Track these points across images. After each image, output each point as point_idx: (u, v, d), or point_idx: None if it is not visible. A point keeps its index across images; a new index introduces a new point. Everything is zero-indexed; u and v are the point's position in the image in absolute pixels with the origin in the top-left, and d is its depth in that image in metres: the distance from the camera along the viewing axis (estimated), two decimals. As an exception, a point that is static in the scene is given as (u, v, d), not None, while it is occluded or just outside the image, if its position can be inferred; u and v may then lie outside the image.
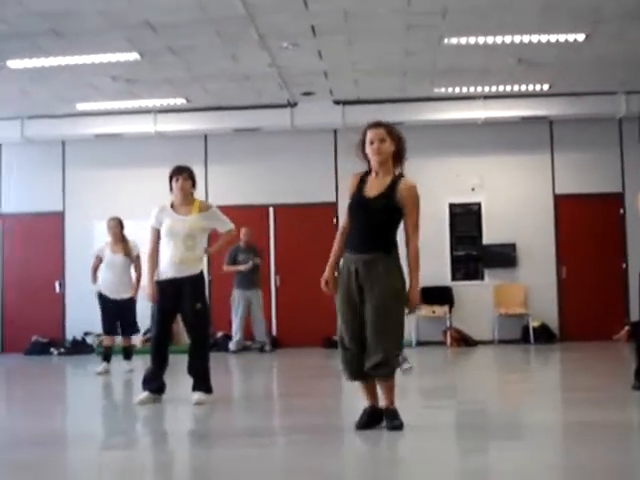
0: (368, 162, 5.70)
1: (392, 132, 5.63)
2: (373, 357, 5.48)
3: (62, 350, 13.85)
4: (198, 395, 7.24)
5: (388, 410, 5.65)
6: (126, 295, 10.58)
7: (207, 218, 7.42)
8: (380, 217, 5.56)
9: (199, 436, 6.18)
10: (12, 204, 14.93)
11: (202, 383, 7.31)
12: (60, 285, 14.55)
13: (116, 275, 10.59)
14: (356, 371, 5.62)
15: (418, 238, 5.62)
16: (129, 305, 10.63)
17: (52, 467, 4.86)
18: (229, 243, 8.09)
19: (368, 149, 5.61)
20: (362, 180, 5.71)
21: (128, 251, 10.61)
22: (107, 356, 10.63)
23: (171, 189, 7.43)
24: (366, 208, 5.59)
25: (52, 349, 14.05)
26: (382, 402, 5.69)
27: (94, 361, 10.31)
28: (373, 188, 5.63)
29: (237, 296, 13.43)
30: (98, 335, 14.24)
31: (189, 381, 7.36)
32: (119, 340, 10.91)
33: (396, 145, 5.63)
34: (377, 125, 5.65)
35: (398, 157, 5.68)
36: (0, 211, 15.02)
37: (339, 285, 5.65)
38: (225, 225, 7.62)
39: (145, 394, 7.32)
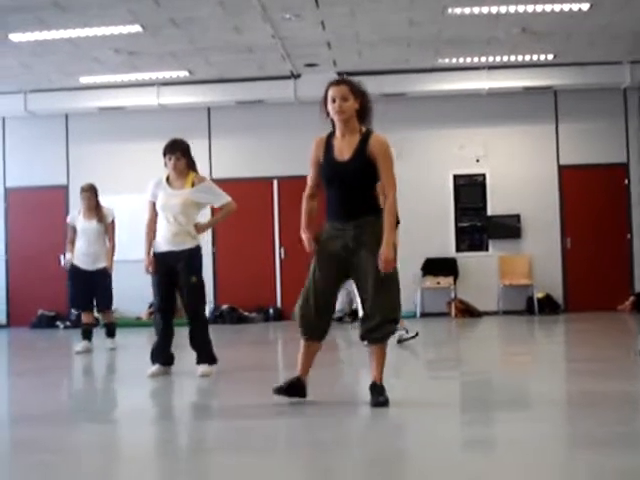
0: (332, 122, 5.53)
1: (355, 89, 5.48)
2: (370, 321, 5.40)
3: (68, 323, 13.91)
4: (202, 367, 7.26)
5: (376, 385, 5.48)
6: (100, 265, 9.86)
7: (200, 192, 7.34)
8: (359, 179, 5.41)
9: (204, 408, 6.21)
10: (16, 178, 14.94)
11: (205, 355, 7.33)
12: (64, 256, 14.57)
13: (90, 244, 9.84)
14: (313, 329, 5.51)
15: (394, 193, 5.43)
16: (104, 276, 9.90)
17: (60, 443, 4.89)
18: (224, 218, 7.86)
19: (330, 107, 5.44)
20: (328, 144, 5.52)
21: (102, 217, 9.88)
22: (87, 333, 9.91)
23: (165, 165, 7.40)
24: (342, 173, 5.41)
25: (58, 322, 14.12)
26: (371, 375, 5.52)
27: (100, 334, 10.28)
28: (343, 150, 5.46)
29: None
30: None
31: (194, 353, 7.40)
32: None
33: (360, 102, 5.49)
34: (339, 82, 5.52)
35: (363, 114, 5.53)
36: (4, 185, 15.04)
37: (320, 248, 5.49)
38: (220, 199, 7.52)
39: (155, 367, 7.34)
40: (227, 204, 7.52)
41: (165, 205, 7.26)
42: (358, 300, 5.88)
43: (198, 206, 7.41)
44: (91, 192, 9.96)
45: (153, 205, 7.38)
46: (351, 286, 6.73)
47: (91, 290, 9.93)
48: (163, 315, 7.36)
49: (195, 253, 7.36)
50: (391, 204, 5.40)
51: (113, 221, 10.02)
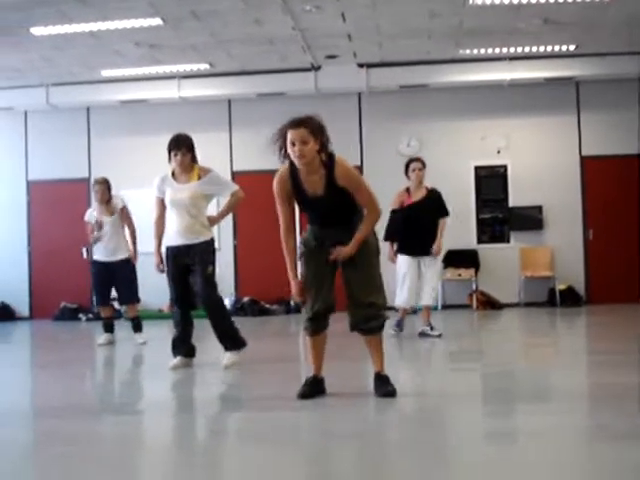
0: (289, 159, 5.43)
1: (314, 130, 5.33)
2: (362, 311, 5.48)
3: (90, 316, 13.98)
4: (227, 357, 7.30)
5: (380, 376, 5.58)
6: (121, 256, 9.81)
7: (207, 184, 7.35)
8: (337, 206, 5.43)
9: (225, 400, 6.23)
10: (38, 171, 15.02)
11: (232, 342, 7.36)
12: (87, 251, 14.64)
13: (109, 238, 9.78)
14: (320, 327, 5.60)
15: (376, 213, 5.46)
16: (125, 267, 9.82)
17: (83, 435, 4.92)
18: (234, 207, 7.79)
19: (290, 149, 5.33)
20: (294, 179, 5.44)
21: (112, 210, 9.84)
22: (108, 326, 9.90)
23: (169, 160, 7.39)
24: (321, 206, 5.44)
25: (80, 315, 14.20)
26: (374, 367, 5.64)
27: (122, 326, 10.32)
28: (314, 186, 5.40)
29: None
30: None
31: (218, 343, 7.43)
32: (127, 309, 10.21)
33: (320, 141, 5.35)
34: (297, 125, 5.35)
35: (324, 149, 5.41)
36: (27, 178, 15.13)
37: (308, 254, 5.59)
38: (227, 189, 7.56)
39: (177, 360, 7.37)
40: (235, 192, 7.55)
41: (174, 200, 7.27)
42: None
43: (207, 198, 7.43)
44: (105, 185, 9.95)
45: (161, 201, 7.40)
46: None
47: (110, 283, 9.91)
48: (181, 308, 7.39)
49: (208, 245, 7.36)
50: (371, 223, 5.46)
51: (125, 207, 9.94)
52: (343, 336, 6.19)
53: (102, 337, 9.83)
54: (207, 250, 7.34)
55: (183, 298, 7.39)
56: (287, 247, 5.55)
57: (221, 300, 7.55)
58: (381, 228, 8.03)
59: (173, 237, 7.32)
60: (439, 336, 9.29)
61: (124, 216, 9.90)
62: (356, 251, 5.41)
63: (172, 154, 7.33)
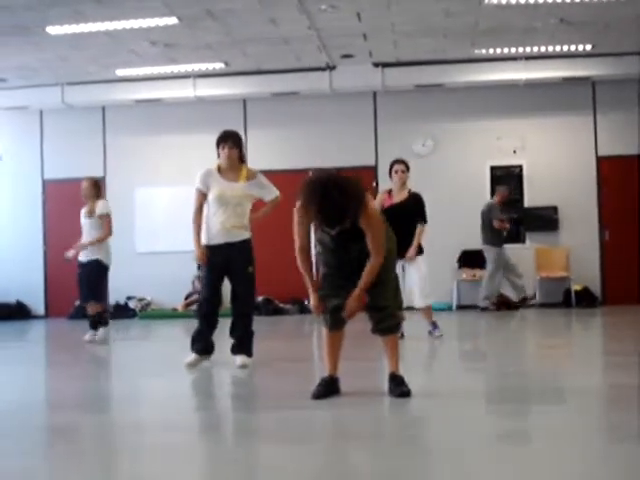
0: None
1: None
2: (378, 314, 5.54)
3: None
4: (241, 358, 7.27)
5: (395, 376, 5.59)
6: (89, 257, 9.94)
7: (254, 186, 7.35)
8: (353, 237, 5.37)
9: (240, 399, 6.23)
10: (54, 170, 15.08)
11: (246, 346, 7.34)
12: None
13: (85, 238, 9.99)
14: (338, 321, 5.59)
15: (381, 259, 5.39)
16: (90, 268, 9.92)
17: (97, 431, 4.94)
18: (272, 211, 7.83)
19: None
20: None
21: (93, 212, 9.90)
22: (95, 323, 9.93)
23: (218, 155, 7.39)
24: (337, 240, 5.45)
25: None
26: (389, 366, 5.65)
27: (137, 325, 10.34)
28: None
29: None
30: (140, 299, 14.43)
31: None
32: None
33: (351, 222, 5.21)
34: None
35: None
36: (42, 177, 15.19)
37: (324, 252, 5.60)
38: (271, 193, 7.53)
39: (193, 356, 7.35)
40: (276, 197, 7.54)
41: (222, 196, 7.21)
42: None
43: (251, 199, 7.42)
44: (89, 186, 10.07)
45: (203, 195, 7.31)
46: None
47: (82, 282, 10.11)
48: (210, 305, 7.35)
49: (248, 244, 7.36)
50: (375, 265, 5.37)
51: (105, 215, 9.96)
52: (359, 337, 6.18)
53: (99, 334, 9.89)
54: (247, 249, 7.34)
55: (215, 297, 7.37)
56: (303, 266, 5.55)
57: (254, 305, 7.55)
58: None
59: (214, 235, 7.26)
60: (440, 337, 9.22)
61: (104, 224, 9.94)
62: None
63: (220, 147, 7.32)
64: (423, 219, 9.26)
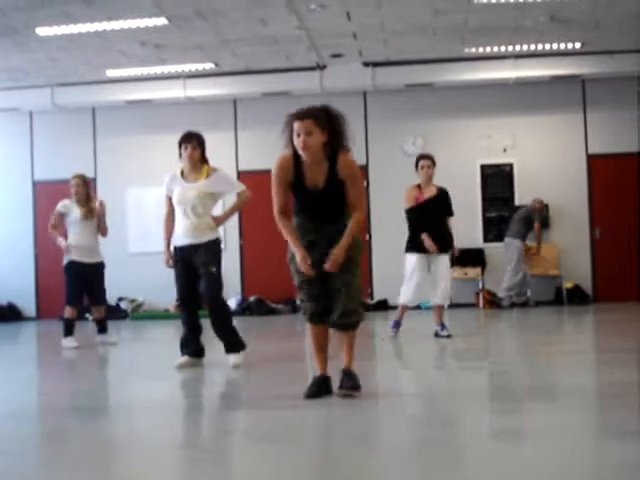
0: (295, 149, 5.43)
1: (320, 122, 5.32)
2: (340, 307, 5.47)
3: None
4: (234, 357, 7.28)
5: (347, 371, 5.56)
6: (96, 259, 9.83)
7: (214, 182, 7.33)
8: (333, 200, 5.43)
9: (232, 399, 6.22)
10: (44, 171, 15.05)
11: (233, 343, 7.35)
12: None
13: (80, 240, 9.77)
14: (320, 314, 5.57)
15: (363, 213, 5.51)
16: (99, 270, 9.87)
17: (90, 434, 4.93)
18: (240, 207, 7.79)
19: (295, 141, 5.33)
20: (297, 167, 5.45)
21: (91, 213, 9.79)
22: (72, 329, 9.71)
23: (180, 156, 7.40)
24: (317, 199, 5.45)
25: (87, 315, 14.17)
26: (342, 362, 5.61)
27: (128, 326, 10.31)
28: (315, 179, 5.42)
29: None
30: (132, 300, 14.40)
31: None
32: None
33: (328, 134, 5.36)
34: (303, 116, 5.33)
35: (335, 141, 5.42)
36: (32, 179, 15.15)
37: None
38: (234, 188, 7.56)
39: (184, 358, 7.37)
40: (242, 192, 7.54)
41: (182, 199, 7.26)
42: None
43: (214, 197, 7.39)
44: (81, 183, 9.93)
45: (170, 200, 7.41)
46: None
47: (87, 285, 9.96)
48: (187, 307, 7.40)
49: (214, 244, 7.35)
50: (358, 220, 5.43)
51: (99, 204, 9.93)
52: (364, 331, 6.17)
53: (68, 341, 9.69)
54: (212, 250, 7.33)
55: (190, 298, 7.39)
56: (286, 228, 5.50)
57: (225, 301, 7.55)
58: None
59: (180, 237, 7.32)
60: (448, 337, 9.23)
61: (99, 214, 9.87)
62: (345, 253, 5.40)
63: (182, 147, 7.34)
64: (452, 212, 9.44)
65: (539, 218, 13.50)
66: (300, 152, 5.34)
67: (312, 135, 5.29)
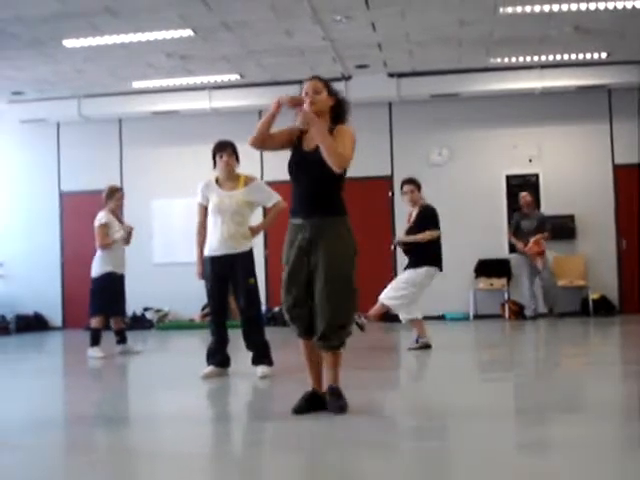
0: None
1: (329, 86, 5.49)
2: (324, 323, 5.26)
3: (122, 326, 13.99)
4: (263, 368, 7.29)
5: (332, 389, 5.39)
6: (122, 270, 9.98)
7: (252, 192, 7.34)
8: (321, 170, 5.31)
9: (260, 409, 6.22)
10: (71, 182, 15.16)
11: (264, 356, 7.37)
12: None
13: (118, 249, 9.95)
14: (306, 330, 5.47)
15: (347, 159, 5.39)
16: (123, 281, 10.02)
17: (114, 443, 4.94)
18: (276, 218, 7.61)
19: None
20: (300, 135, 5.55)
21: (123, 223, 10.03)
22: (99, 339, 9.80)
23: (214, 165, 7.40)
24: (308, 163, 5.40)
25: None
26: (325, 379, 5.45)
27: (154, 336, 10.34)
28: (311, 142, 5.43)
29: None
30: (157, 311, 14.44)
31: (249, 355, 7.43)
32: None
33: (334, 100, 5.47)
34: (314, 78, 5.52)
35: (337, 113, 5.48)
36: (59, 189, 15.26)
37: (287, 255, 5.54)
38: (272, 198, 7.49)
39: (210, 368, 7.39)
40: (278, 203, 7.49)
41: (219, 207, 7.24)
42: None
43: (251, 206, 7.40)
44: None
45: (204, 209, 7.36)
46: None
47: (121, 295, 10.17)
48: (218, 318, 7.40)
49: (250, 255, 7.36)
50: (344, 152, 5.36)
51: (100, 225, 9.91)
52: (357, 348, 6.15)
53: (97, 351, 9.74)
54: (249, 261, 7.34)
55: (221, 309, 7.40)
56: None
57: (262, 315, 7.55)
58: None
59: (215, 246, 7.28)
60: (427, 347, 9.12)
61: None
62: (326, 259, 5.30)
63: (217, 156, 7.34)
64: (429, 228, 9.25)
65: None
66: (306, 107, 5.38)
67: (320, 94, 5.42)
